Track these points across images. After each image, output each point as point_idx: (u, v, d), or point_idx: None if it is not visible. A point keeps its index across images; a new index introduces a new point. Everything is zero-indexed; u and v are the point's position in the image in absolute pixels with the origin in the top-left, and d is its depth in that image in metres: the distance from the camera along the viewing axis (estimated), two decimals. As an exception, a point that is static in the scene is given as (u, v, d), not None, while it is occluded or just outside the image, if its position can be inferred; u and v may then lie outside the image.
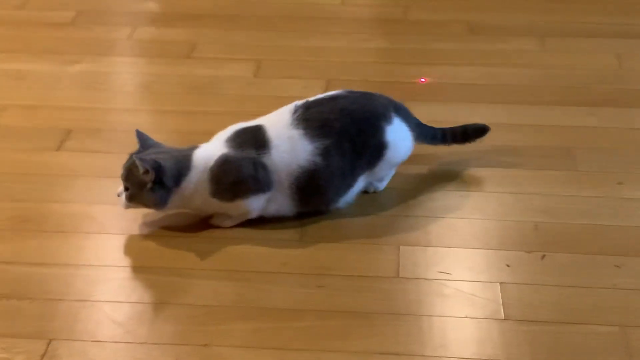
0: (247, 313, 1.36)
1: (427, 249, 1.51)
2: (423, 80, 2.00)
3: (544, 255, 1.47)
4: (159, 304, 1.39)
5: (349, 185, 1.55)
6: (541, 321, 1.33)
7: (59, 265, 1.47)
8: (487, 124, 1.71)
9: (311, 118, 1.52)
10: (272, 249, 1.51)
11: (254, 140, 1.50)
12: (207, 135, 1.59)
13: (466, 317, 1.35)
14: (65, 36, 2.33)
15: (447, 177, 1.70)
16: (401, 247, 1.50)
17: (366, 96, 1.61)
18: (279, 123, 1.52)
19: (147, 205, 1.51)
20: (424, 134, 1.66)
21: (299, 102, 1.56)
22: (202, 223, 1.56)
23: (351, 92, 1.61)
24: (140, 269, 1.48)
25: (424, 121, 1.68)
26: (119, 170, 1.52)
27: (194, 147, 1.53)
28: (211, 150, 1.51)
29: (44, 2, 2.51)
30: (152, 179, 1.45)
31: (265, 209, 1.53)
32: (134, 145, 1.55)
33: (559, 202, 1.62)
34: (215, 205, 1.52)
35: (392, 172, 1.65)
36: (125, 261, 1.50)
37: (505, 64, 2.16)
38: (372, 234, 1.54)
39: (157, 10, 2.53)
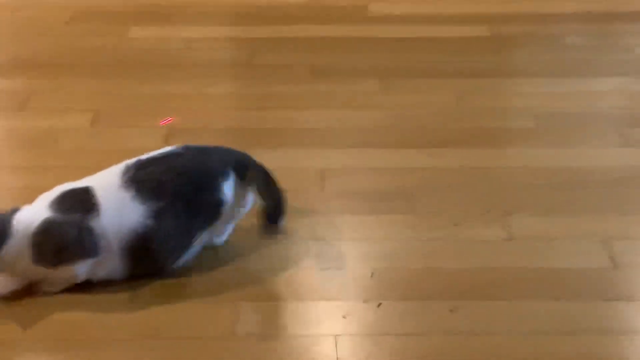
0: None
1: (264, 304, 1.48)
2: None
3: (379, 304, 1.46)
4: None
5: (185, 247, 1.51)
6: (378, 373, 1.32)
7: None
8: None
9: (143, 179, 1.46)
10: (101, 313, 1.44)
11: (80, 203, 1.44)
12: (42, 192, 1.50)
13: (301, 375, 1.33)
14: None
15: (286, 226, 1.68)
16: (238, 303, 1.47)
17: (203, 152, 1.57)
18: (108, 185, 1.46)
19: None
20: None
21: (130, 162, 1.51)
22: (25, 288, 1.48)
23: (188, 148, 1.56)
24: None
25: (269, 168, 1.65)
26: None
27: (15, 210, 1.45)
28: (33, 213, 1.44)
29: None
30: None
31: (94, 273, 1.46)
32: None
33: (397, 247, 1.62)
34: (40, 271, 1.44)
35: (232, 225, 1.61)
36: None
37: (348, 106, 2.17)
38: (208, 291, 1.50)
39: (-10, 60, 2.43)
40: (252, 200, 1.60)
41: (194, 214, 1.49)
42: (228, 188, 1.52)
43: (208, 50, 2.52)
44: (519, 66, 2.47)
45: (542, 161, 1.92)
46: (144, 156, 1.53)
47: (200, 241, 1.54)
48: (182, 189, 1.47)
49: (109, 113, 2.12)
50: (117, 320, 1.43)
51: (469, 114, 2.15)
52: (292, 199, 1.64)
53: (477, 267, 1.57)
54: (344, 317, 1.44)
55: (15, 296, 1.47)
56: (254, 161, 1.60)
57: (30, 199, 1.49)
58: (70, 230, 1.41)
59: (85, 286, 1.48)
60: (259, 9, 2.77)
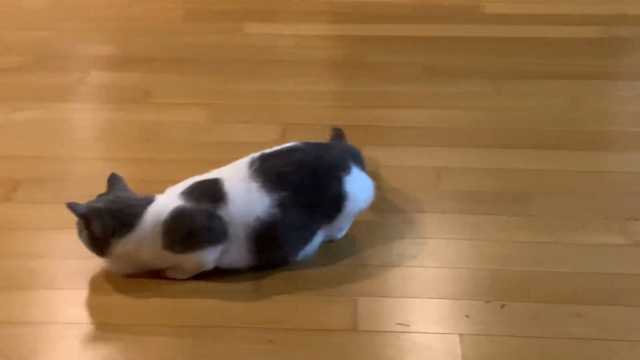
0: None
1: (384, 299, 1.48)
2: None
3: (503, 305, 1.45)
4: None
5: (307, 239, 1.53)
6: (500, 374, 1.32)
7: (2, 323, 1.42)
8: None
9: (268, 171, 1.50)
10: (225, 301, 1.47)
11: (210, 193, 1.48)
12: (159, 184, 1.55)
13: (425, 371, 1.33)
14: (12, 82, 2.28)
15: (402, 224, 1.68)
16: (358, 298, 1.48)
17: (323, 147, 1.60)
18: (236, 176, 1.50)
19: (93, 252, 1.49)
20: None
21: (255, 155, 1.54)
22: (153, 277, 1.52)
23: (308, 144, 1.60)
24: (90, 326, 1.43)
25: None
26: (68, 221, 1.47)
27: (148, 199, 1.50)
28: (164, 203, 1.48)
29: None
30: (82, 227, 1.45)
31: (220, 260, 1.50)
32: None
33: (515, 249, 1.61)
34: (168, 258, 1.48)
35: (352, 220, 1.63)
36: (74, 318, 1.44)
37: (460, 107, 2.16)
38: (327, 284, 1.51)
39: (108, 55, 2.49)
40: (372, 195, 1.60)
41: (316, 207, 1.51)
42: (351, 182, 1.54)
43: (316, 48, 2.54)
44: (635, 69, 2.42)
45: (664, 167, 1.88)
46: (268, 150, 1.56)
47: (322, 234, 1.55)
48: (304, 181, 1.50)
49: (223, 108, 2.16)
50: (238, 309, 1.45)
51: (585, 117, 2.11)
52: (406, 198, 1.64)
53: (600, 273, 1.54)
54: (467, 316, 1.43)
55: (143, 285, 1.51)
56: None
57: (147, 190, 1.54)
58: (200, 217, 1.45)
59: (210, 275, 1.52)
60: (368, 8, 2.78)
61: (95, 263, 1.52)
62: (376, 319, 1.43)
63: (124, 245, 1.46)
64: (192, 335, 1.40)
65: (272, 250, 1.51)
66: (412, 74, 2.33)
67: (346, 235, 1.62)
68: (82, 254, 1.51)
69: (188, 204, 1.47)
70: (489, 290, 1.50)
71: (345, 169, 1.55)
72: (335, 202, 1.53)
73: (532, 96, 2.21)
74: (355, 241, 1.62)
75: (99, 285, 1.51)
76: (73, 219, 1.48)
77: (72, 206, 1.44)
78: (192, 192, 1.49)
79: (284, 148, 1.57)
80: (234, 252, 1.49)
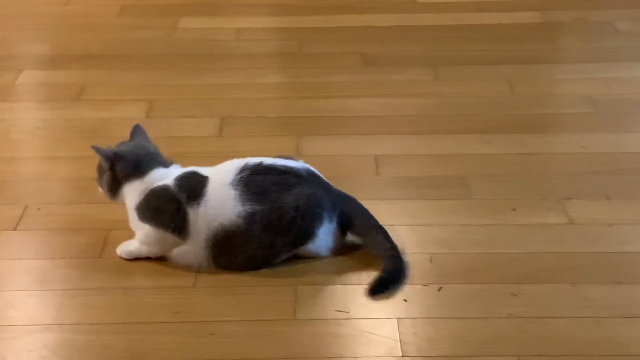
0: (137, 368, 1.31)
1: (323, 287, 1.48)
2: None
3: (440, 288, 1.46)
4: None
5: (266, 259, 1.52)
6: (440, 356, 1.32)
7: None
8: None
9: (253, 183, 1.51)
10: (164, 296, 1.46)
11: (193, 188, 1.53)
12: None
13: (364, 357, 1.32)
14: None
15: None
16: (297, 287, 1.47)
17: (322, 186, 1.56)
18: (221, 179, 1.53)
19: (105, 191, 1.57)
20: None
21: (251, 162, 1.54)
22: (92, 274, 1.50)
23: (312, 175, 1.56)
24: (19, 328, 1.40)
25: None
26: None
27: (165, 163, 1.57)
28: (167, 173, 1.55)
29: None
30: (108, 167, 1.55)
31: (177, 257, 1.53)
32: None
33: (455, 232, 1.62)
34: (133, 218, 1.54)
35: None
36: (8, 320, 1.42)
37: (400, 95, 2.17)
38: (268, 275, 1.50)
39: (44, 53, 2.45)
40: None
41: (282, 234, 1.50)
42: (324, 231, 1.53)
43: (257, 41, 2.53)
44: (570, 52, 2.45)
45: (600, 147, 1.90)
46: (268, 160, 1.55)
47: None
48: (283, 204, 1.50)
49: (163, 104, 2.14)
50: (178, 304, 1.44)
51: (523, 101, 2.13)
52: (347, 185, 1.64)
53: (537, 252, 1.56)
54: (405, 300, 1.44)
55: (79, 282, 1.49)
56: (373, 222, 1.57)
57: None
58: (169, 204, 1.52)
59: (149, 271, 1.51)
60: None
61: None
62: (316, 307, 1.43)
63: (128, 188, 1.54)
64: (129, 332, 1.38)
65: (226, 259, 1.51)
66: (351, 64, 2.33)
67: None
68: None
69: (173, 187, 1.52)
70: (428, 274, 1.50)
71: (328, 218, 1.53)
72: (301, 238, 1.52)
73: (471, 82, 2.22)
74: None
75: (25, 285, 1.49)
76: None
77: (98, 149, 1.54)
78: (182, 179, 1.54)
79: (285, 166, 1.55)
80: (192, 251, 1.51)
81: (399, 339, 1.34)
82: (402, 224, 1.64)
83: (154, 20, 2.65)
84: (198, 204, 1.50)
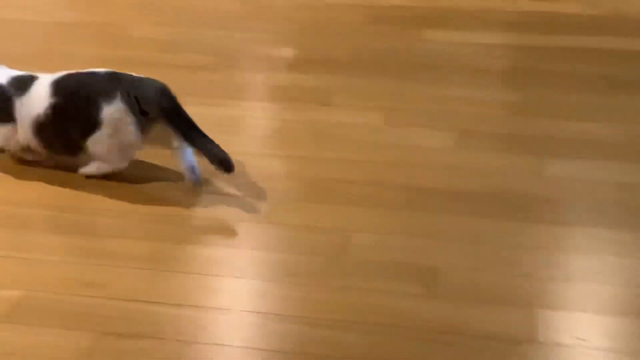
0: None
1: (561, 312, 1.46)
2: None
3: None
4: (294, 354, 1.39)
5: (72, 147, 1.86)
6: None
7: (193, 307, 1.51)
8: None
9: (60, 81, 1.85)
10: (398, 303, 1.50)
11: (23, 84, 1.89)
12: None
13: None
14: (203, 79, 2.40)
15: (583, 238, 1.65)
16: (536, 309, 1.46)
17: (111, 77, 1.82)
18: (45, 80, 1.87)
19: None
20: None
21: (65, 73, 1.87)
22: (332, 270, 1.58)
23: (113, 75, 1.83)
24: (273, 316, 1.48)
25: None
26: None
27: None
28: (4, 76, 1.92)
29: (185, 46, 2.60)
30: None
31: (16, 141, 1.90)
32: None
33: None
34: None
35: (115, 154, 1.85)
36: (259, 307, 1.51)
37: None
38: (505, 293, 1.51)
39: (292, 56, 2.58)
40: (134, 139, 1.79)
41: (75, 120, 1.82)
42: (107, 112, 1.78)
43: (496, 57, 2.52)
44: None
45: None
46: (82, 71, 1.87)
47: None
48: (74, 97, 1.83)
49: (400, 112, 2.19)
50: (412, 309, 1.48)
51: None
52: (586, 212, 1.61)
53: None
54: None
55: (315, 276, 1.56)
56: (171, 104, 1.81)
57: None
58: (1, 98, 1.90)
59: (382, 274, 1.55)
60: (545, 18, 2.74)
61: (275, 257, 1.59)
62: (554, 331, 1.42)
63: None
64: (368, 332, 1.43)
65: (49, 144, 1.87)
66: (591, 85, 2.28)
67: (453, 244, 1.61)
68: (267, 246, 1.57)
69: (5, 84, 1.90)
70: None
71: (109, 100, 1.78)
72: (90, 123, 1.80)
73: None
74: (528, 252, 1.61)
75: (278, 277, 1.58)
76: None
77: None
78: (16, 78, 1.90)
79: (90, 71, 1.85)
80: (23, 136, 1.88)
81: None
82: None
83: (399, 30, 2.71)
84: (23, 95, 1.87)
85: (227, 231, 1.71)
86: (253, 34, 2.73)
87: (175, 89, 1.81)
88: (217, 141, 1.79)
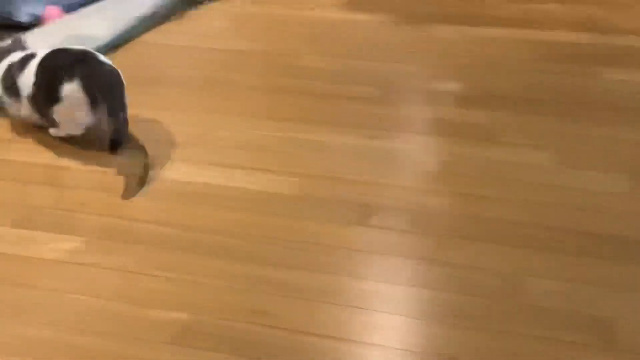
0: None
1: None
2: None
3: None
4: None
5: (48, 118, 2.16)
6: None
7: (348, 341, 1.49)
8: None
9: (46, 58, 2.14)
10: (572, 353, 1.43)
11: (24, 63, 2.19)
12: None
13: None
14: (368, 111, 2.40)
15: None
16: None
17: (79, 57, 2.10)
18: (37, 59, 2.16)
19: None
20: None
21: (49, 51, 2.17)
22: (499, 314, 1.52)
23: (82, 52, 2.13)
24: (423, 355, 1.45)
25: None
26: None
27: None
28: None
29: (352, 77, 2.62)
30: None
31: (19, 111, 2.23)
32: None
33: None
34: None
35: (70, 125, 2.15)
36: (415, 347, 1.48)
37: None
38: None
39: (458, 91, 2.54)
40: (87, 118, 2.12)
41: (46, 92, 2.11)
42: (67, 89, 2.06)
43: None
44: None
45: None
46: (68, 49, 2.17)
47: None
48: (44, 74, 2.13)
49: (571, 153, 2.11)
50: None
51: None
52: None
53: None
54: None
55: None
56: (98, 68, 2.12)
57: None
58: (7, 71, 2.23)
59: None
60: None
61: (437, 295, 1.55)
62: None
63: None
64: None
65: (40, 116, 2.18)
66: None
67: None
68: (430, 284, 1.53)
69: (15, 61, 2.21)
70: None
71: (68, 77, 2.05)
72: (52, 98, 2.09)
73: None
74: None
75: (422, 315, 1.55)
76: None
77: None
78: (24, 57, 2.20)
79: (67, 47, 2.16)
80: (25, 108, 2.20)
81: None
82: None
83: (572, 67, 2.63)
84: (22, 74, 2.17)
85: (389, 267, 1.70)
86: (415, 66, 2.71)
87: (340, 121, 1.82)
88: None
